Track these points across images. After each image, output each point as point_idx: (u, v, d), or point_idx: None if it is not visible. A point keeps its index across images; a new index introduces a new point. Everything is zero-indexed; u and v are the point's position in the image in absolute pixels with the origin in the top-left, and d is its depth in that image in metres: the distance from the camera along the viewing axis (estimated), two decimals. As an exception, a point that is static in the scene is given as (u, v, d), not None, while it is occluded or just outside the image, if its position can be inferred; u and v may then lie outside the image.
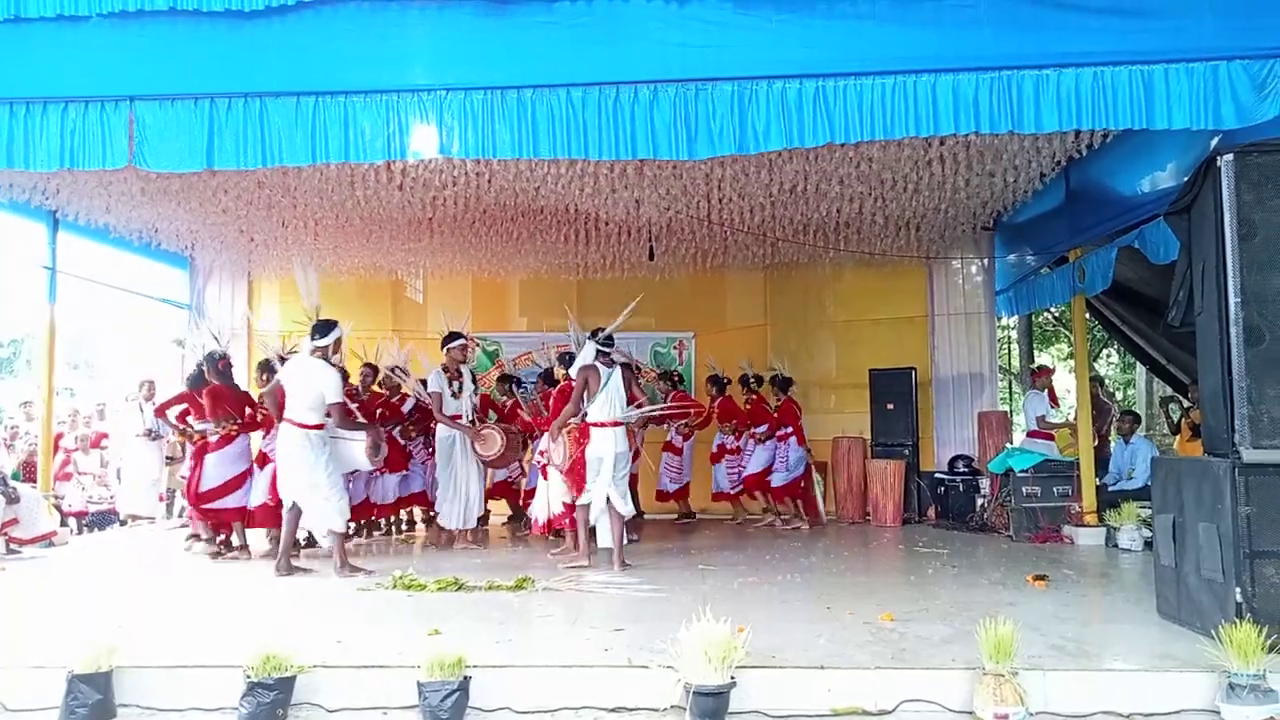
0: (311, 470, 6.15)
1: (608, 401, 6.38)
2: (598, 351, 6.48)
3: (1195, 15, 4.38)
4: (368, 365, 8.40)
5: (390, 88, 4.58)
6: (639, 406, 6.92)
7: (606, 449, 6.33)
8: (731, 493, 9.51)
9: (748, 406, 9.32)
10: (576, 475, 6.45)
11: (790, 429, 9.05)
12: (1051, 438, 8.61)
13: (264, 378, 7.25)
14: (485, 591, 5.52)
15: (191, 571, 6.71)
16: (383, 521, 8.78)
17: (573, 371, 6.72)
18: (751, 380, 9.43)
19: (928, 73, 4.45)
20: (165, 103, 4.63)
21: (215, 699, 3.64)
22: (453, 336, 7.71)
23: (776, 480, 9.05)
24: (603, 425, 6.36)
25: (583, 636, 4.30)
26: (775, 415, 9.12)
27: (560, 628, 4.58)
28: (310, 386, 6.17)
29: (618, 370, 6.52)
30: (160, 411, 7.81)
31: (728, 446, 9.42)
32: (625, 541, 6.80)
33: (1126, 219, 6.58)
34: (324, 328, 6.30)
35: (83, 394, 18.86)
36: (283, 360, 6.98)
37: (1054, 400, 10.12)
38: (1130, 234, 6.47)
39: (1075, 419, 8.71)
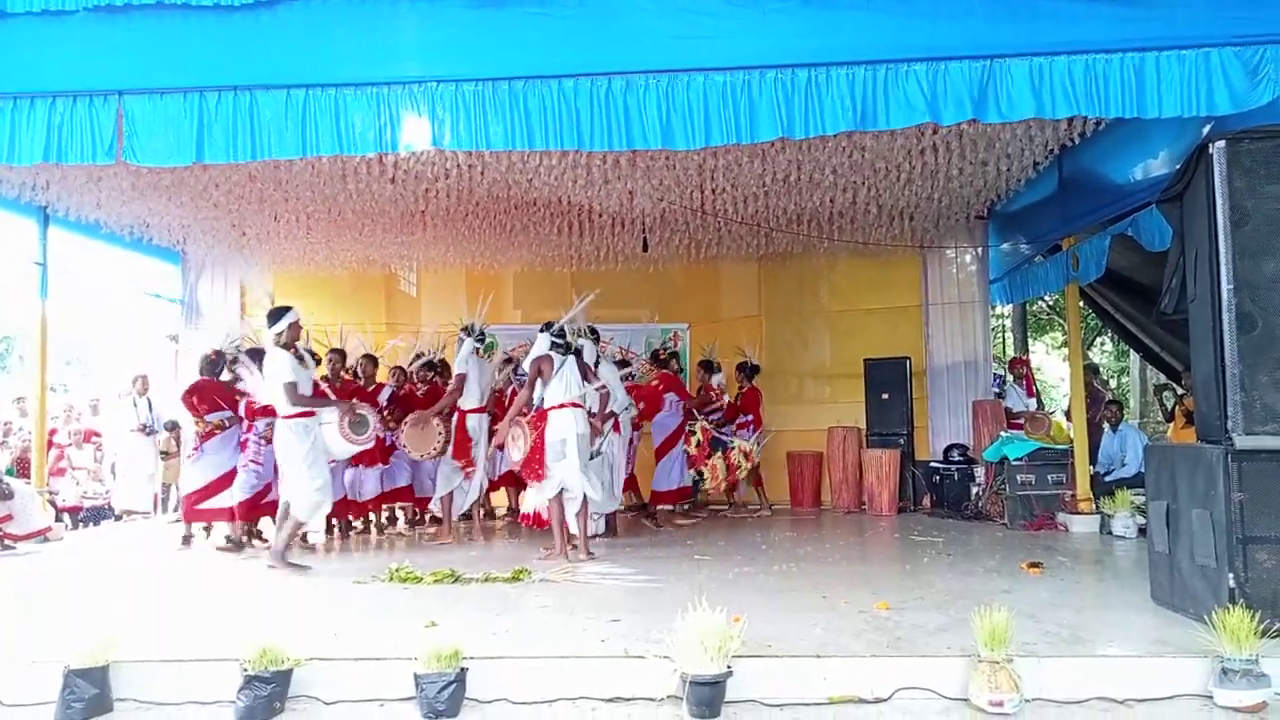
0: (287, 460, 6.12)
1: (562, 384, 6.37)
2: (552, 344, 6.49)
3: (1187, 2, 4.38)
4: (335, 351, 8.11)
5: (381, 80, 4.56)
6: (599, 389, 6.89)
7: (568, 429, 6.29)
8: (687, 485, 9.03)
9: (701, 392, 9.14)
10: (534, 464, 6.34)
11: (750, 416, 9.07)
12: (1021, 428, 8.67)
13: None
14: (482, 583, 5.53)
15: (187, 565, 6.71)
16: (359, 520, 8.28)
17: (525, 365, 6.74)
18: (715, 365, 9.24)
19: (920, 61, 4.44)
20: (154, 96, 4.60)
21: (212, 692, 3.64)
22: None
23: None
24: (560, 407, 6.34)
25: (579, 627, 4.30)
26: (735, 402, 9.11)
27: (557, 619, 4.58)
28: (271, 375, 6.16)
29: (571, 358, 6.53)
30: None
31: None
32: (596, 534, 6.92)
33: (1119, 207, 6.59)
34: (274, 315, 6.25)
35: (76, 389, 18.79)
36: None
37: (1030, 391, 10.17)
38: (1123, 222, 6.48)
39: (1044, 409, 8.73)
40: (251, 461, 7.19)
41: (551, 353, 6.46)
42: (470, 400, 7.53)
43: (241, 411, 7.36)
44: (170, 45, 4.58)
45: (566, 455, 6.28)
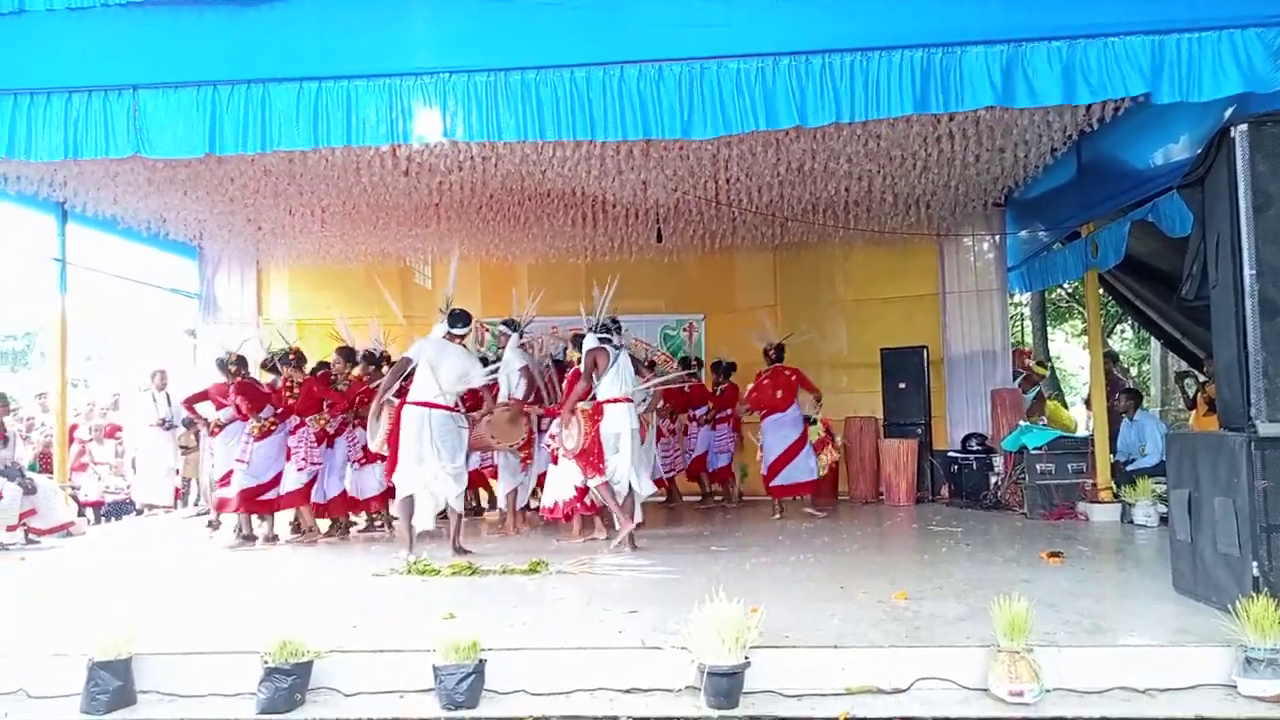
0: (456, 452, 6.25)
1: (617, 378, 6.45)
2: (600, 339, 6.57)
3: (1209, -17, 4.32)
4: (343, 349, 7.89)
5: (392, 71, 4.57)
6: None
7: (622, 424, 6.39)
8: (664, 477, 9.05)
9: (687, 390, 9.19)
10: (592, 456, 6.41)
11: (729, 411, 9.25)
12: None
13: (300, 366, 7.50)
14: (499, 575, 5.55)
15: (208, 559, 6.77)
16: (362, 517, 8.10)
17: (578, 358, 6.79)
18: (693, 362, 9.50)
19: (937, 47, 4.39)
20: (168, 90, 4.63)
21: (234, 684, 3.66)
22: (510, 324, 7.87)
23: (721, 461, 9.35)
24: (615, 401, 6.42)
25: (597, 619, 4.31)
26: (717, 397, 9.30)
27: (574, 610, 4.59)
28: (459, 370, 6.30)
29: (624, 353, 6.63)
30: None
31: (662, 430, 9.02)
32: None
33: (1139, 192, 6.52)
34: (464, 318, 6.47)
35: (96, 385, 18.97)
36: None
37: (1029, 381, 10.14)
38: (1143, 208, 6.40)
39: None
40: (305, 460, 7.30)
41: (605, 347, 6.52)
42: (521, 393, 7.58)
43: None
44: (183, 40, 4.61)
45: (620, 449, 6.36)
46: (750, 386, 8.60)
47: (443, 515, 6.43)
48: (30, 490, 7.51)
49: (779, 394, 8.31)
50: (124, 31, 4.64)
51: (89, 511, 10.12)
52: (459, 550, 6.26)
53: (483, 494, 9.05)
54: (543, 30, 4.50)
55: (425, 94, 4.55)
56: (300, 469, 7.29)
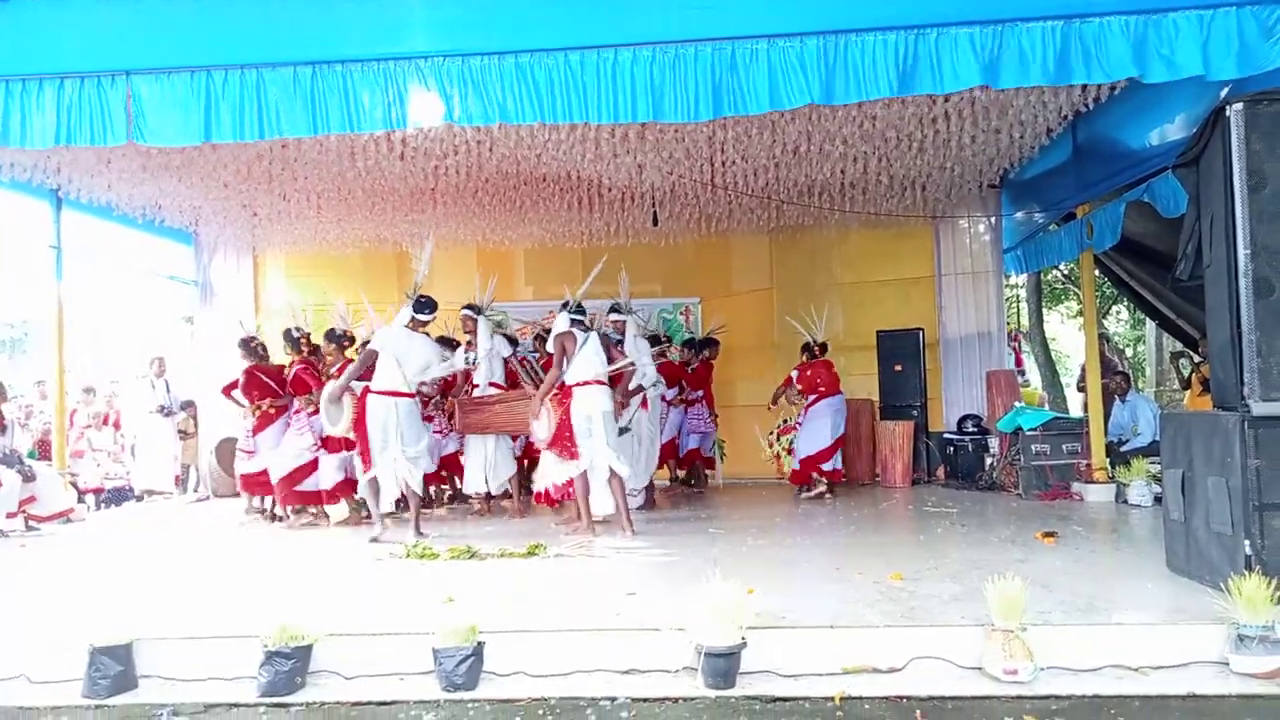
0: (418, 437, 6.50)
1: (586, 362, 6.35)
2: (571, 320, 6.49)
3: (1203, -40, 4.29)
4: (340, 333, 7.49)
5: (388, 55, 4.53)
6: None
7: (593, 407, 6.27)
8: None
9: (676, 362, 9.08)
10: (564, 441, 6.34)
11: (701, 393, 9.14)
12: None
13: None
14: (498, 559, 5.57)
15: (208, 544, 6.79)
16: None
17: (549, 346, 6.68)
18: (664, 339, 9.24)
19: (928, 28, 4.37)
20: (162, 76, 4.60)
21: (234, 669, 3.69)
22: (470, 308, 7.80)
23: (692, 443, 9.19)
24: (585, 384, 6.31)
25: (595, 601, 4.33)
26: (690, 375, 9.09)
27: (572, 592, 4.61)
28: (423, 361, 6.48)
29: (594, 334, 6.53)
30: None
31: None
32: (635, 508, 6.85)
33: (1135, 173, 6.51)
34: (432, 305, 6.61)
35: (94, 372, 18.96)
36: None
37: (1019, 362, 10.17)
38: (1139, 188, 6.40)
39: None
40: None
41: (574, 330, 6.45)
42: (500, 378, 7.59)
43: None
44: (177, 24, 4.58)
45: (593, 432, 6.26)
46: (794, 375, 8.65)
47: (402, 501, 6.65)
48: (29, 477, 7.53)
49: (828, 382, 8.51)
50: (116, 15, 4.60)
51: (89, 498, 10.14)
52: (419, 533, 6.40)
53: (457, 480, 8.66)
54: (538, 13, 4.48)
55: (421, 78, 4.52)
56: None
